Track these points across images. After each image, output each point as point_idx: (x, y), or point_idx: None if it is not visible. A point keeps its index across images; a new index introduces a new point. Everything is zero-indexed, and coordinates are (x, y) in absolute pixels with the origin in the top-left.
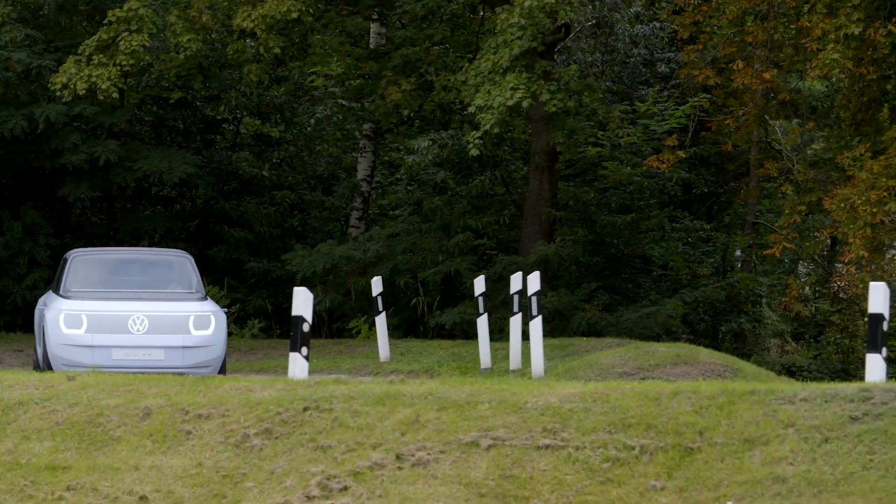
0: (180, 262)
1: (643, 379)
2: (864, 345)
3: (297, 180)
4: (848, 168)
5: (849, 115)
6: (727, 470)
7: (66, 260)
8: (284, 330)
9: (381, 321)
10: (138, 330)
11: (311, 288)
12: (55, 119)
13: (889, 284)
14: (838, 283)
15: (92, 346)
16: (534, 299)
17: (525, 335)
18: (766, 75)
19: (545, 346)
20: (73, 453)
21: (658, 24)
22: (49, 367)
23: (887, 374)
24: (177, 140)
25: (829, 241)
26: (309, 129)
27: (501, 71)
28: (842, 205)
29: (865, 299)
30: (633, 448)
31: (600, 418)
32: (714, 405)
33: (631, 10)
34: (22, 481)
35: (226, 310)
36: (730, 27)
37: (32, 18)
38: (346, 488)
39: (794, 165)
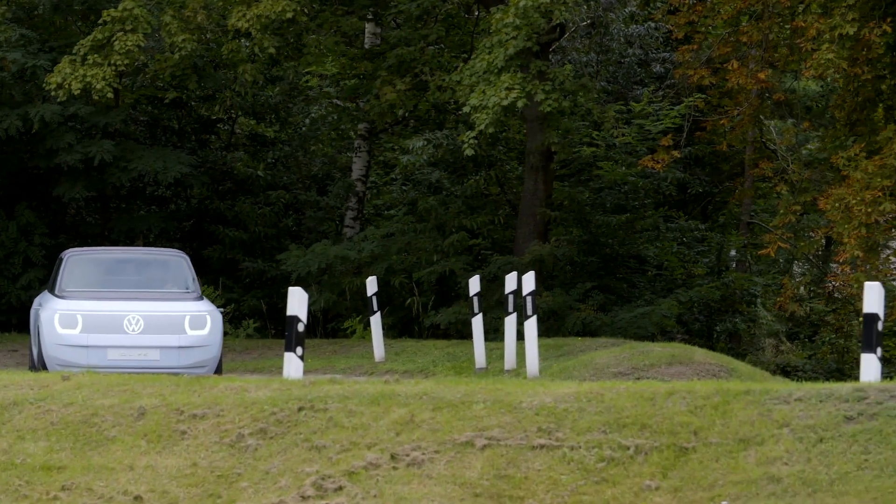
0: (176, 262)
1: (638, 379)
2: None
3: (292, 180)
4: (843, 168)
5: (843, 115)
6: (722, 470)
7: (61, 260)
8: (279, 330)
9: (375, 321)
10: (134, 330)
11: (305, 288)
12: (50, 119)
13: (884, 284)
14: (833, 282)
15: (87, 347)
16: (528, 299)
17: (520, 335)
18: (761, 75)
19: (540, 346)
20: (68, 453)
21: (653, 24)
22: (44, 367)
23: (882, 373)
24: (171, 140)
25: (823, 240)
26: (304, 128)
27: (496, 71)
28: (836, 205)
29: (860, 299)
30: (628, 448)
31: (595, 418)
32: (709, 405)
33: (626, 9)
34: (17, 481)
35: (222, 309)
36: (724, 27)
37: (27, 18)
38: (340, 488)
39: (788, 165)
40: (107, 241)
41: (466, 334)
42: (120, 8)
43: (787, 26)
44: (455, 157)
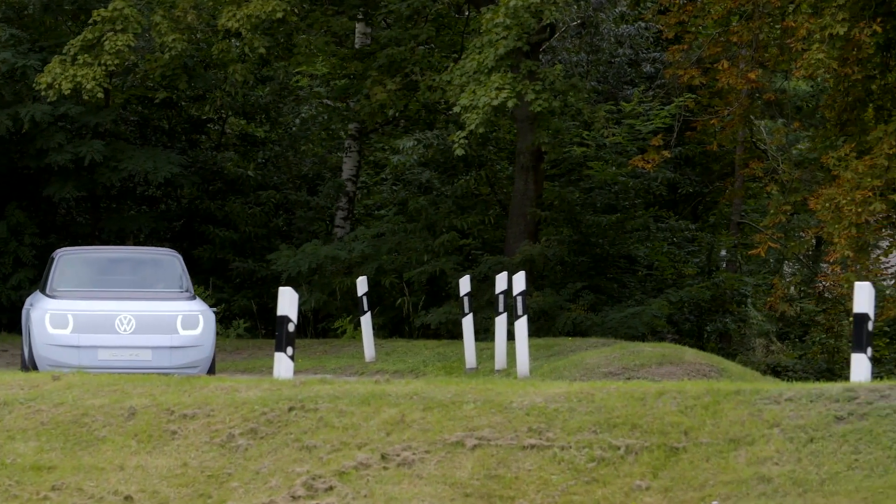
0: (169, 261)
1: (628, 379)
2: (849, 344)
3: (283, 180)
4: (833, 168)
5: (834, 114)
6: (712, 470)
7: (53, 259)
8: (269, 330)
9: (366, 321)
10: (125, 330)
11: (296, 288)
12: (40, 119)
13: (874, 284)
14: (823, 282)
15: (78, 347)
16: (519, 299)
17: (510, 335)
18: (752, 75)
19: (530, 346)
20: (58, 453)
21: (643, 24)
22: (35, 368)
23: (872, 373)
24: (162, 140)
25: (814, 240)
26: (294, 128)
27: (486, 71)
28: (827, 205)
29: (850, 299)
30: (619, 448)
31: (585, 418)
32: (699, 405)
33: (616, 9)
34: (7, 481)
35: (214, 309)
36: (715, 27)
37: (17, 18)
38: (331, 488)
39: (779, 165)
40: (97, 241)
41: (457, 334)
42: (110, 8)
43: (777, 26)
44: (445, 157)
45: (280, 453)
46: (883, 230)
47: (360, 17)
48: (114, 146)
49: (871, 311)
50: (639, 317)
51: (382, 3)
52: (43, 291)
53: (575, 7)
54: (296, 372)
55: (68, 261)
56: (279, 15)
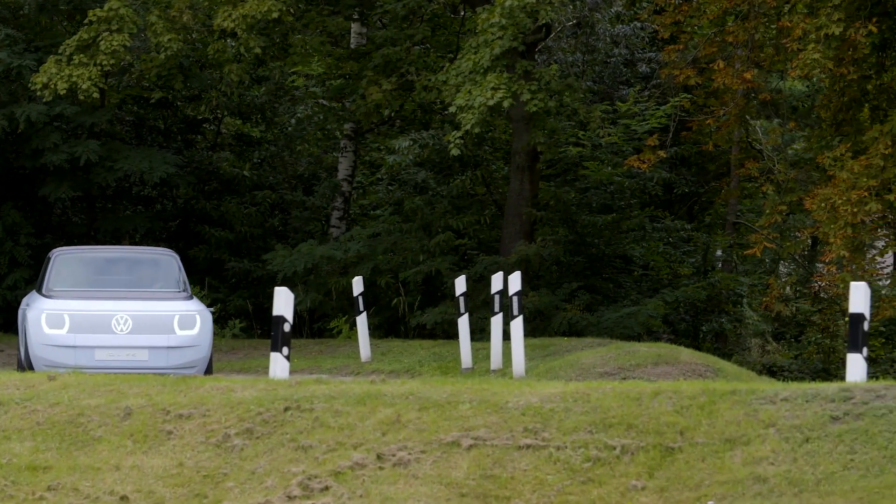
0: (166, 261)
1: (624, 379)
2: (845, 345)
3: (278, 180)
4: (828, 168)
5: (829, 115)
6: (708, 470)
7: (49, 259)
8: (265, 330)
9: (361, 321)
10: (122, 330)
11: (291, 288)
12: (36, 119)
13: (870, 284)
14: (819, 282)
15: (74, 347)
16: (515, 299)
17: (506, 335)
18: (747, 75)
19: (526, 346)
20: (54, 453)
21: (639, 24)
22: (31, 368)
23: (868, 374)
24: (157, 140)
25: (809, 240)
26: (290, 128)
27: (482, 71)
28: (822, 205)
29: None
30: (614, 448)
31: (581, 418)
32: (695, 405)
33: (612, 9)
34: (2, 481)
35: (211, 309)
36: (710, 27)
37: (13, 18)
38: (326, 488)
39: (774, 165)
40: (93, 241)
41: (452, 334)
42: (105, 8)
43: (772, 26)
44: (441, 157)
45: (276, 453)
46: (878, 230)
47: (356, 16)
48: (109, 146)
49: (866, 312)
50: (634, 317)
51: (378, 2)
52: (39, 291)
53: (570, 7)
54: (291, 372)
55: (65, 260)
56: (275, 15)
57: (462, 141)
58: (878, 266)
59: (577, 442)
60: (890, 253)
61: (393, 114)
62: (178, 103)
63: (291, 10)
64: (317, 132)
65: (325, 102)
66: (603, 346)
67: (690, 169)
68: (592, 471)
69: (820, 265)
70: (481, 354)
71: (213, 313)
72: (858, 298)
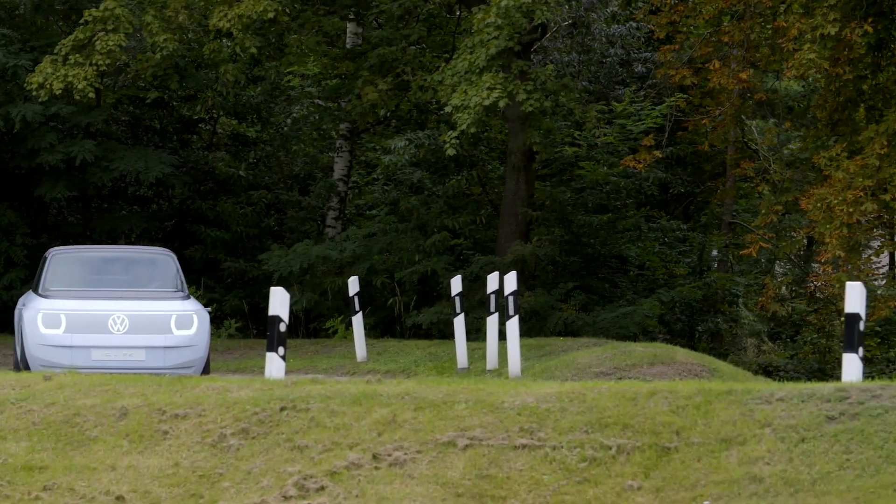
0: (163, 261)
1: (620, 379)
2: (841, 344)
3: (274, 180)
4: (824, 168)
5: (825, 115)
6: (704, 470)
7: (45, 259)
8: (261, 330)
9: (357, 321)
10: (118, 330)
11: (287, 288)
12: (31, 119)
13: (865, 284)
14: (815, 282)
15: (71, 347)
16: (510, 299)
17: (502, 335)
18: (743, 75)
19: (522, 346)
20: (50, 453)
21: (634, 24)
22: (27, 368)
23: (864, 373)
24: (153, 140)
25: (805, 240)
26: (285, 128)
27: (478, 71)
28: (818, 205)
29: (842, 299)
30: (610, 448)
31: (577, 418)
32: (691, 405)
33: (607, 9)
34: None
35: (209, 309)
36: (706, 27)
37: (8, 18)
38: (322, 488)
39: (770, 165)
40: (89, 241)
41: (448, 334)
42: (101, 8)
43: (768, 26)
44: (437, 156)
45: (271, 453)
46: (874, 230)
47: (352, 16)
48: (105, 146)
49: (862, 311)
50: (630, 317)
51: (374, 2)
52: (35, 291)
53: (566, 7)
54: (287, 372)
55: (61, 260)
56: (270, 15)
57: (458, 141)
58: (873, 266)
59: (572, 442)
60: (886, 253)
61: (389, 114)
62: (174, 103)
63: (287, 10)
64: (312, 132)
65: (320, 102)
66: (599, 346)
67: (686, 169)
68: (588, 471)
69: (816, 265)
70: (477, 354)
71: (210, 313)
72: (854, 298)
